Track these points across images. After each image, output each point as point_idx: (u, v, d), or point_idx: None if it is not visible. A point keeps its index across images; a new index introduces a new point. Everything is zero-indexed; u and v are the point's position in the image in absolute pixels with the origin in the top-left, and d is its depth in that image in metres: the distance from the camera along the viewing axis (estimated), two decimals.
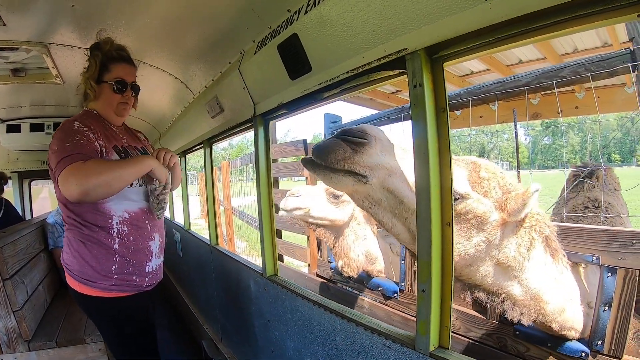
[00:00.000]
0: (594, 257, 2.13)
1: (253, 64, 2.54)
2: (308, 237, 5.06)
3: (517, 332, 2.42)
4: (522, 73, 3.34)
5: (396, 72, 1.64)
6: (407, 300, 3.38)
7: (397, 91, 7.66)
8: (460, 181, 1.89)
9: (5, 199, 4.87)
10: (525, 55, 5.98)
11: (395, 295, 3.45)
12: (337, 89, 1.99)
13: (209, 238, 4.33)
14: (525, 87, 3.24)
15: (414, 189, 1.66)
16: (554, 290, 2.04)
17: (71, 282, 2.35)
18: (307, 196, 3.46)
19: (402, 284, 3.42)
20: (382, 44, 1.60)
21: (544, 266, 2.02)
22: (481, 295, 2.08)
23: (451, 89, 6.45)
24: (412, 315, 3.25)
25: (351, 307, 3.38)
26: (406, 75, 1.54)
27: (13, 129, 5.38)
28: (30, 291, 3.59)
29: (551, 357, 2.29)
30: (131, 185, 2.36)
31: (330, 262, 4.38)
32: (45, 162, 6.31)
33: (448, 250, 1.48)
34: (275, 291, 2.68)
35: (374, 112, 5.83)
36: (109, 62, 2.45)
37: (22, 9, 2.54)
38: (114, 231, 2.32)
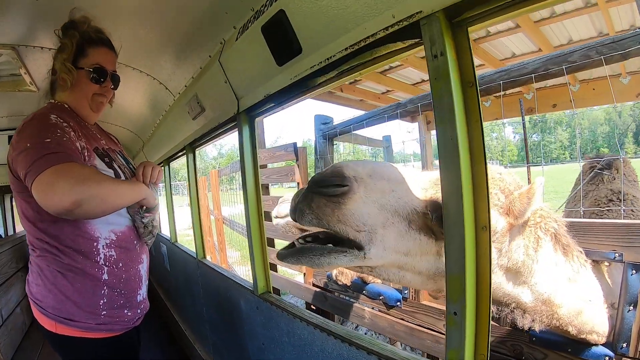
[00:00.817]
0: (616, 254, 1.93)
1: (234, 53, 2.26)
2: None
3: (534, 338, 2.19)
4: (528, 60, 3.09)
5: (408, 43, 1.35)
6: (412, 308, 3.12)
7: (388, 91, 7.54)
8: None
9: None
10: (519, 49, 5.87)
11: (399, 304, 3.19)
12: (333, 72, 1.69)
13: (195, 251, 4.04)
14: (533, 75, 2.98)
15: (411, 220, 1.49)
16: (567, 292, 1.80)
17: (43, 320, 1.89)
18: None
19: (405, 292, 3.18)
20: (389, 10, 1.31)
21: (554, 267, 1.79)
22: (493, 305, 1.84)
23: None
24: (418, 325, 3.02)
25: (353, 318, 3.15)
26: (422, 47, 1.27)
27: None
28: (5, 314, 3.32)
29: None
30: None
31: (326, 271, 4.13)
32: None
33: (484, 260, 1.18)
34: (269, 311, 2.37)
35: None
36: (87, 45, 2.06)
37: None
38: (100, 257, 1.91)
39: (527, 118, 5.96)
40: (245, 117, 2.46)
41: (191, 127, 3.48)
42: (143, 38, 2.80)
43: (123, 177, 2.06)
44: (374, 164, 1.57)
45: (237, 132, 2.61)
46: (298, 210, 1.46)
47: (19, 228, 6.59)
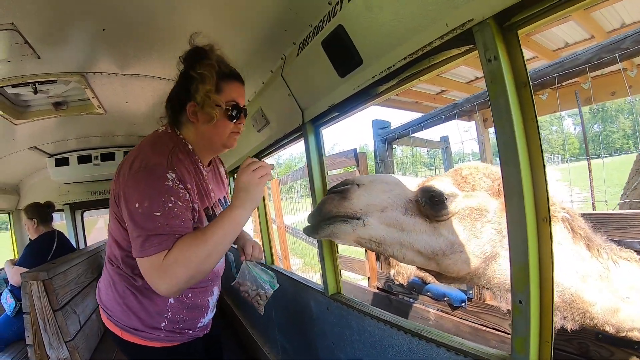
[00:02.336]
0: None
1: (297, 68, 2.41)
2: (366, 249, 4.82)
3: (600, 336, 2.18)
4: (580, 50, 3.06)
5: (463, 49, 1.45)
6: (476, 309, 3.14)
7: (443, 91, 7.48)
8: (445, 185, 1.88)
9: (58, 231, 4.90)
10: (571, 37, 5.73)
11: (463, 304, 3.20)
12: (393, 80, 1.80)
13: (264, 259, 4.18)
14: (586, 65, 2.95)
15: (405, 208, 1.84)
16: (599, 289, 1.77)
17: (110, 326, 2.02)
18: None
19: (470, 292, 3.21)
20: (443, 19, 1.41)
21: (579, 261, 1.78)
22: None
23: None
24: (483, 325, 3.03)
25: (415, 320, 3.16)
26: (476, 52, 1.36)
27: (61, 162, 5.53)
28: (83, 320, 3.59)
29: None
30: None
31: (389, 273, 4.17)
32: (95, 193, 6.45)
33: (547, 250, 1.24)
34: (340, 311, 2.48)
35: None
36: (220, 80, 1.90)
37: (55, 40, 2.50)
38: None
39: (586, 108, 5.77)
40: (310, 127, 2.59)
41: (256, 139, 3.63)
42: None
43: None
44: (377, 175, 2.09)
45: (298, 142, 2.74)
46: (318, 205, 1.94)
47: (89, 242, 7.04)
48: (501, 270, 1.77)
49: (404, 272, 3.54)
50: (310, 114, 2.51)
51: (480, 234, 1.78)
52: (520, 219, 1.24)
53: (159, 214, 1.62)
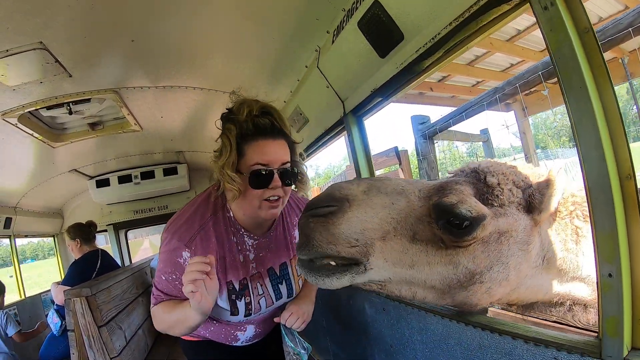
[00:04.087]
0: None
1: (333, 56, 2.35)
2: None
3: None
4: (621, 15, 2.90)
5: (513, 2, 1.35)
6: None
7: (479, 82, 7.36)
8: (469, 202, 1.43)
9: (102, 250, 4.99)
10: (604, 11, 5.60)
11: None
12: (440, 51, 1.70)
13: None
14: (630, 29, 2.78)
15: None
16: None
17: None
18: None
19: None
20: None
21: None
22: (541, 308, 1.73)
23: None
24: (543, 319, 2.81)
25: None
26: (526, 5, 1.28)
27: (102, 183, 5.65)
28: (128, 336, 3.61)
29: None
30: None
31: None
32: (138, 212, 6.59)
33: (635, 212, 1.10)
34: (397, 310, 2.34)
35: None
36: (243, 143, 1.75)
37: (85, 57, 2.54)
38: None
39: (624, 89, 5.60)
40: (352, 118, 2.52)
41: (296, 139, 3.54)
42: (237, 65, 3.00)
43: (246, 314, 1.97)
44: (371, 180, 1.56)
45: (339, 138, 2.67)
46: (305, 232, 1.43)
47: (135, 259, 7.09)
48: (529, 291, 1.63)
49: None
50: (351, 103, 2.45)
51: (507, 259, 1.49)
52: (601, 178, 1.12)
53: (164, 277, 1.84)
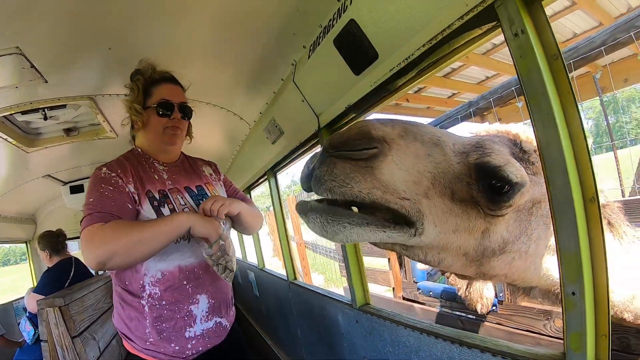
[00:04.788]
0: None
1: (309, 71, 2.36)
2: (389, 259, 4.78)
3: None
4: (595, 34, 2.99)
5: (485, 27, 1.37)
6: (508, 311, 3.02)
7: (454, 94, 7.48)
8: (515, 166, 1.32)
9: (75, 258, 4.89)
10: (579, 27, 5.75)
11: (494, 308, 3.07)
12: (413, 71, 1.72)
13: (285, 274, 4.10)
14: (602, 48, 2.87)
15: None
16: (618, 273, 1.57)
17: (123, 342, 2.16)
18: None
19: (501, 294, 3.07)
20: None
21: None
22: (537, 296, 1.69)
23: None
24: (516, 328, 2.91)
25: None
26: (498, 30, 1.29)
27: (76, 189, 5.49)
28: (102, 347, 3.56)
29: None
30: None
31: (416, 283, 4.05)
32: None
33: (597, 233, 1.14)
34: (370, 322, 2.37)
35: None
36: (151, 87, 2.20)
37: (62, 63, 2.49)
38: (145, 293, 2.01)
39: (596, 101, 5.77)
40: (327, 132, 2.52)
41: (271, 152, 3.60)
42: (215, 74, 2.97)
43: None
44: (405, 122, 1.32)
45: (315, 149, 2.67)
46: (315, 177, 1.21)
47: None
48: (538, 269, 1.54)
49: (488, 303, 3.27)
50: (325, 118, 2.46)
51: (532, 231, 1.42)
52: (566, 201, 1.14)
53: (92, 199, 1.90)
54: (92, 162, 5.04)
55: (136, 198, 2.01)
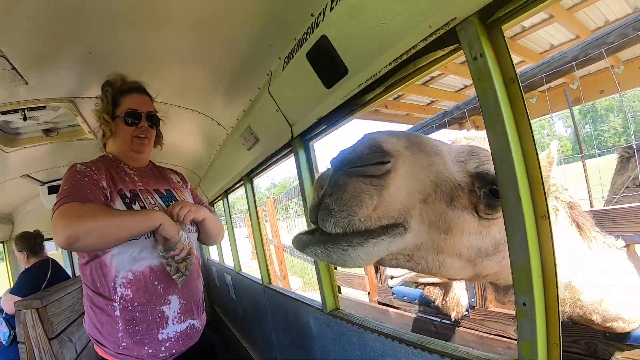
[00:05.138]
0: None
1: (283, 83, 2.38)
2: None
3: (607, 334, 2.07)
4: (566, 49, 3.07)
5: (447, 49, 1.42)
6: (480, 316, 3.05)
7: (433, 101, 7.53)
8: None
9: (52, 259, 4.84)
10: (557, 39, 5.83)
11: (467, 313, 3.12)
12: (380, 87, 1.77)
13: (261, 278, 4.11)
14: (574, 63, 2.95)
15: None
16: (588, 276, 1.71)
17: (95, 346, 2.14)
18: None
19: (472, 300, 3.10)
20: (426, 21, 1.38)
21: (573, 247, 1.72)
22: (510, 294, 1.74)
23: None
24: (487, 333, 2.94)
25: (421, 332, 3.08)
26: (461, 52, 1.34)
27: (54, 190, 5.35)
28: (79, 349, 3.53)
29: None
30: (137, 239, 2.04)
31: (391, 288, 4.09)
32: None
33: (548, 248, 1.19)
34: (340, 327, 2.41)
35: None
36: (119, 96, 2.28)
37: (42, 66, 2.49)
38: (116, 295, 2.01)
39: (576, 108, 5.83)
40: (299, 142, 2.55)
41: (247, 158, 3.61)
42: (193, 79, 2.98)
43: None
44: (408, 134, 1.37)
45: (289, 158, 2.70)
46: (324, 208, 1.18)
47: None
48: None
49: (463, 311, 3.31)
50: (299, 128, 2.49)
51: None
52: (517, 218, 1.19)
53: (67, 187, 1.93)
54: (70, 163, 4.86)
55: (108, 195, 2.05)
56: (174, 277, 2.12)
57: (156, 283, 2.10)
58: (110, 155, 2.32)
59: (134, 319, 2.03)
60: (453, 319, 3.17)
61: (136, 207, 2.13)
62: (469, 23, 1.24)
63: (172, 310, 2.15)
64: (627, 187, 3.29)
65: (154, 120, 2.35)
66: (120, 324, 2.01)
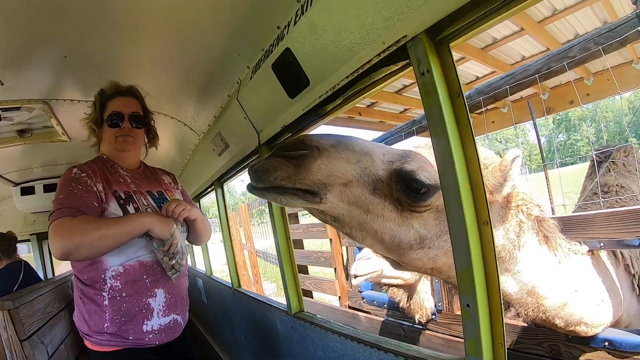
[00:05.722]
0: (601, 243, 2.04)
1: (250, 91, 2.42)
2: (335, 269, 4.85)
3: (569, 337, 2.16)
4: (530, 62, 3.17)
5: (400, 64, 1.48)
6: (447, 320, 3.13)
7: (406, 109, 7.61)
8: (429, 172, 1.59)
9: (25, 261, 4.77)
10: (527, 51, 5.95)
11: (434, 317, 3.19)
12: (339, 99, 1.82)
13: (230, 282, 4.12)
14: (537, 75, 3.05)
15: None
16: (552, 282, 1.80)
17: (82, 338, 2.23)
18: (377, 258, 3.22)
19: (439, 304, 3.18)
20: (380, 37, 1.43)
21: (538, 255, 1.80)
22: None
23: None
24: (454, 336, 3.03)
25: (389, 336, 3.13)
26: (411, 67, 1.38)
27: (27, 191, 5.35)
28: (51, 351, 3.47)
29: (610, 356, 2.04)
30: None
31: (360, 292, 4.15)
32: None
33: (490, 253, 1.26)
34: (303, 328, 2.45)
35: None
36: (107, 101, 2.36)
37: (18, 67, 2.49)
38: (106, 286, 2.11)
39: (550, 118, 5.99)
40: (266, 149, 2.58)
41: (217, 163, 3.62)
42: (166, 85, 2.99)
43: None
44: (340, 136, 1.62)
45: None
46: (260, 169, 1.51)
47: (58, 272, 6.80)
48: None
49: (429, 313, 3.36)
50: (265, 135, 2.52)
51: None
52: (460, 224, 1.25)
53: (62, 196, 2.01)
54: (43, 164, 4.96)
55: (103, 197, 2.14)
56: (169, 273, 2.24)
57: (145, 277, 2.20)
58: (104, 156, 2.39)
59: (121, 309, 2.12)
60: (417, 321, 3.24)
61: (130, 208, 2.22)
62: (418, 40, 1.29)
63: (157, 303, 2.24)
64: (594, 192, 3.36)
65: (138, 120, 2.40)
66: (107, 314, 2.10)
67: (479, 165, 1.25)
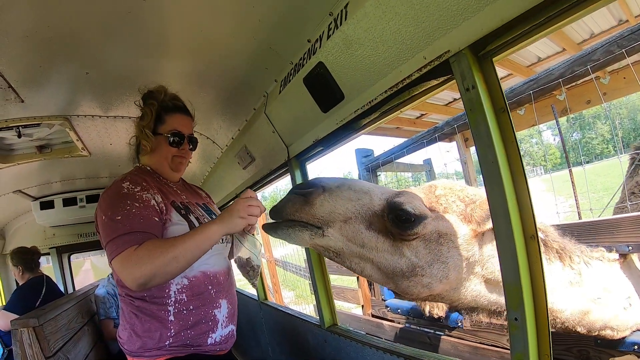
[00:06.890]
0: (629, 247, 2.04)
1: (279, 105, 2.44)
2: (358, 277, 4.80)
3: (599, 341, 2.15)
4: (553, 66, 3.15)
5: (441, 79, 1.51)
6: (473, 327, 3.09)
7: (423, 115, 7.58)
8: (415, 203, 1.77)
9: (47, 276, 4.81)
10: (543, 52, 5.93)
11: (459, 324, 3.18)
12: (376, 113, 1.85)
13: (257, 294, 4.13)
14: (560, 80, 3.04)
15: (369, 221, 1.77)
16: (570, 296, 1.85)
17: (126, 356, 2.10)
18: None
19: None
20: (420, 52, 1.47)
21: (549, 276, 1.80)
22: (482, 317, 1.97)
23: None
24: (481, 343, 3.00)
25: (414, 344, 3.13)
26: (454, 81, 1.41)
27: (46, 205, 5.40)
28: None
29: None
30: None
31: (384, 300, 4.14)
32: (82, 235, 6.26)
33: (537, 267, 1.28)
34: (337, 342, 2.46)
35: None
36: (164, 113, 2.26)
37: (38, 84, 2.51)
38: (170, 300, 2.01)
39: (563, 119, 5.91)
40: (296, 162, 2.61)
41: (242, 176, 3.65)
42: (189, 99, 3.00)
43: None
44: (345, 179, 1.91)
45: (285, 177, 2.76)
46: (277, 205, 1.84)
47: (77, 284, 6.85)
48: (469, 294, 1.84)
49: (441, 305, 3.37)
50: (295, 149, 2.54)
51: (447, 259, 1.75)
52: (508, 238, 1.27)
53: (119, 217, 1.87)
54: (62, 179, 5.02)
55: (163, 208, 2.04)
56: (253, 280, 2.32)
57: (210, 287, 2.14)
58: (148, 168, 2.30)
59: (188, 322, 2.05)
60: (436, 316, 3.24)
61: (192, 217, 2.16)
62: (461, 55, 1.32)
63: (222, 314, 2.19)
64: (633, 193, 3.32)
65: (194, 142, 2.39)
66: (172, 330, 2.01)
67: (525, 179, 1.27)
